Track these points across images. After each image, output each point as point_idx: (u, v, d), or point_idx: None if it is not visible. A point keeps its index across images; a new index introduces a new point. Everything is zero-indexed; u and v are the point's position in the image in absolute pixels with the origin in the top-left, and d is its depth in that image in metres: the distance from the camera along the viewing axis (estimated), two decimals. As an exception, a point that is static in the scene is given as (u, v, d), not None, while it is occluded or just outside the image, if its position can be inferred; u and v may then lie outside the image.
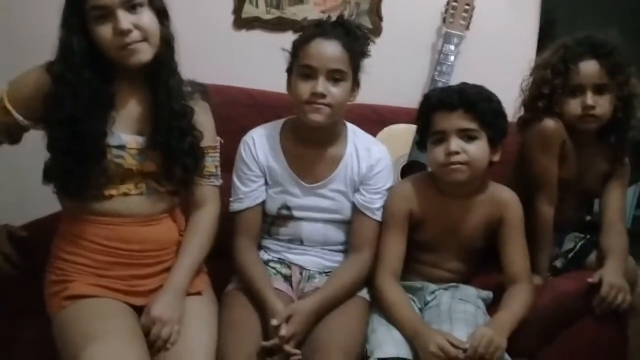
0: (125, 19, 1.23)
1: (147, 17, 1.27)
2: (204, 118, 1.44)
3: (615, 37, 1.58)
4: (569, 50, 1.56)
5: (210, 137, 1.45)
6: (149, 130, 1.35)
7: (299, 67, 1.45)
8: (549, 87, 1.56)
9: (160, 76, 1.33)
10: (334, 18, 1.52)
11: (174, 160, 1.36)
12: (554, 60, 1.57)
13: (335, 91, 1.42)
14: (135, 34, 1.25)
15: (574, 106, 1.55)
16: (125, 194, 1.35)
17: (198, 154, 1.40)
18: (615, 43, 1.55)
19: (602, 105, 1.54)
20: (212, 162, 1.46)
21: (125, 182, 1.35)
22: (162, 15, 1.32)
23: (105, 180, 1.32)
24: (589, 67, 1.54)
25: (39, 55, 1.29)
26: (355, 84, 1.49)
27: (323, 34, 1.44)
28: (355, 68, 1.47)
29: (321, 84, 1.41)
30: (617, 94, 1.54)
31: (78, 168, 1.28)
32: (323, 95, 1.41)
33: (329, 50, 1.42)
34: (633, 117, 1.58)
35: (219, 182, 1.49)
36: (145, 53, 1.28)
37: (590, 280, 1.38)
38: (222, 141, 1.50)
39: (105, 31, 1.24)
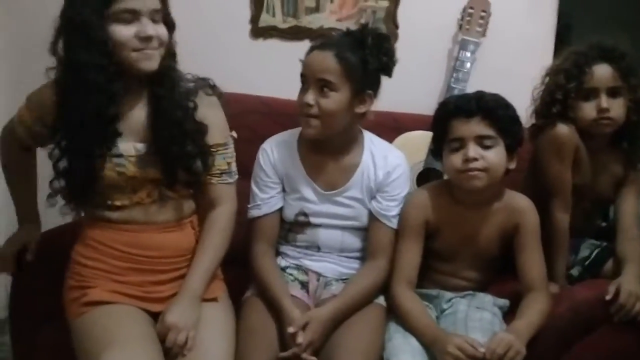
0: (150, 26, 1.27)
1: (163, 29, 1.31)
2: (210, 113, 1.40)
3: (625, 42, 1.59)
4: (581, 56, 1.56)
5: (218, 134, 1.41)
6: (148, 138, 1.35)
7: (300, 76, 1.47)
8: (562, 92, 1.56)
9: (163, 87, 1.34)
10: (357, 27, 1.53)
11: (176, 164, 1.35)
12: (567, 66, 1.57)
13: (323, 102, 1.42)
14: (155, 42, 1.28)
15: (588, 110, 1.55)
16: (139, 203, 1.36)
17: (204, 152, 1.38)
18: (625, 48, 1.56)
19: (617, 108, 1.54)
20: (223, 160, 1.42)
21: (137, 192, 1.36)
22: (171, 29, 1.35)
23: (114, 191, 1.34)
24: (603, 71, 1.54)
25: (46, 58, 1.31)
26: (361, 94, 1.45)
27: (321, 45, 1.46)
28: (355, 78, 1.43)
29: (309, 95, 1.43)
30: (630, 97, 1.55)
31: (83, 177, 1.31)
32: (309, 106, 1.42)
33: (319, 60, 1.43)
34: None
35: (232, 179, 1.45)
36: (156, 61, 1.30)
37: (607, 297, 1.36)
38: (236, 136, 1.49)
39: (127, 31, 1.26)
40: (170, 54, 1.35)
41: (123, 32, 1.26)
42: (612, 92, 1.54)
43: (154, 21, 1.29)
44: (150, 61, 1.29)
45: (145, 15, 1.27)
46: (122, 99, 1.32)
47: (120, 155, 1.32)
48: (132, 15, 1.26)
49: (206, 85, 1.43)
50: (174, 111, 1.34)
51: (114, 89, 1.27)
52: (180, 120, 1.34)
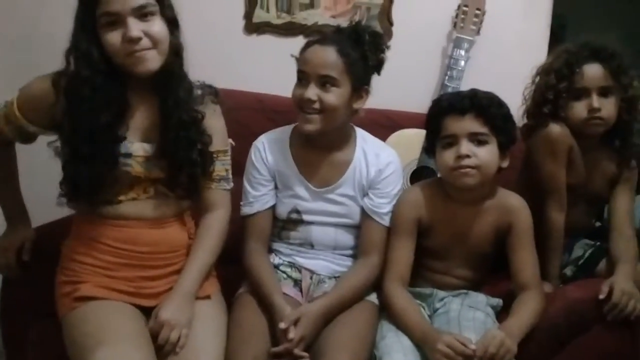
0: (135, 26, 1.24)
1: (157, 26, 1.28)
2: (214, 121, 1.43)
3: (614, 42, 1.59)
4: (572, 55, 1.56)
5: (220, 141, 1.45)
6: (156, 139, 1.34)
7: (297, 72, 1.46)
8: (553, 92, 1.56)
9: (169, 86, 1.33)
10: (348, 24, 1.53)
11: (181, 168, 1.36)
12: (558, 65, 1.57)
13: (325, 97, 1.42)
14: (145, 42, 1.25)
15: (579, 110, 1.55)
16: (134, 199, 1.35)
17: (206, 159, 1.40)
18: (615, 47, 1.56)
19: (608, 107, 1.54)
20: (222, 166, 1.45)
21: (133, 188, 1.35)
22: (173, 24, 1.32)
23: (112, 187, 1.33)
24: (594, 70, 1.54)
25: (51, 57, 1.30)
26: (359, 90, 1.46)
27: (321, 40, 1.45)
28: (356, 74, 1.44)
29: (310, 90, 1.42)
30: (621, 96, 1.55)
31: (92, 175, 1.29)
32: (312, 101, 1.42)
33: (320, 56, 1.42)
34: (637, 119, 1.58)
35: (229, 185, 1.48)
36: (153, 61, 1.28)
37: (601, 296, 1.36)
38: (234, 144, 1.50)
39: (114, 38, 1.24)
40: (173, 52, 1.32)
41: (111, 39, 1.24)
42: (603, 92, 1.54)
43: (143, 18, 1.25)
44: (145, 63, 1.27)
45: (129, 15, 1.23)
46: (130, 100, 1.32)
47: (128, 155, 1.32)
48: (115, 18, 1.23)
49: (212, 93, 1.44)
50: (179, 112, 1.33)
51: (111, 94, 1.27)
52: (185, 124, 1.34)
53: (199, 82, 1.43)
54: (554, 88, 1.56)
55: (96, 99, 1.26)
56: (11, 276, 1.49)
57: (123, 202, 1.35)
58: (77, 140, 1.28)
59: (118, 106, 1.30)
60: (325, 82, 1.42)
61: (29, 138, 1.38)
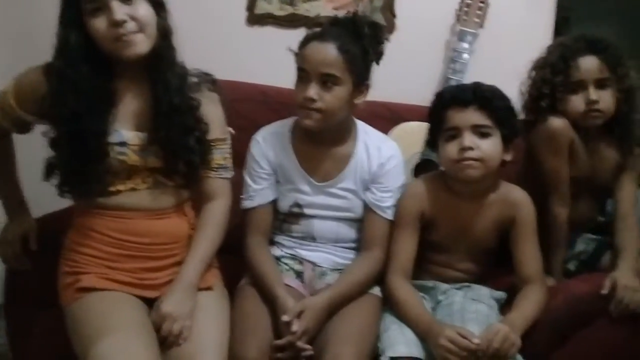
0: (119, 9, 1.22)
1: (142, 9, 1.26)
2: (211, 109, 1.41)
3: (610, 34, 1.58)
4: (567, 48, 1.55)
5: (218, 130, 1.43)
6: (150, 126, 1.33)
7: (297, 69, 1.45)
8: (549, 86, 1.56)
9: (158, 70, 1.31)
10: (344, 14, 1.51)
11: (177, 155, 1.35)
12: (553, 59, 1.56)
13: (326, 96, 1.40)
14: (131, 25, 1.24)
15: (577, 103, 1.54)
16: (133, 189, 1.35)
17: (204, 148, 1.39)
18: (610, 39, 1.56)
19: (605, 99, 1.53)
20: (220, 155, 1.43)
21: (132, 178, 1.35)
22: (159, 7, 1.31)
23: (111, 177, 1.32)
24: (589, 62, 1.53)
25: (51, 52, 1.30)
26: (360, 86, 1.45)
27: (320, 36, 1.42)
28: (357, 70, 1.42)
29: (312, 89, 1.40)
30: (618, 87, 1.54)
31: (80, 166, 1.29)
32: (313, 100, 1.40)
33: (321, 53, 1.40)
34: (636, 110, 1.57)
35: (229, 174, 1.47)
36: (140, 45, 1.26)
37: (603, 292, 1.36)
38: (234, 132, 1.49)
39: (100, 24, 1.23)
40: (161, 34, 1.30)
41: (96, 25, 1.23)
42: (600, 84, 1.53)
43: (127, 2, 1.24)
44: (133, 47, 1.25)
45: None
46: (121, 90, 1.31)
47: (123, 144, 1.31)
48: (98, 4, 1.22)
49: (209, 80, 1.43)
50: (170, 96, 1.32)
51: (95, 83, 1.26)
52: (178, 109, 1.32)
53: (195, 69, 1.41)
54: (550, 82, 1.55)
55: (79, 88, 1.25)
56: (19, 267, 1.48)
57: (122, 193, 1.34)
58: (63, 129, 1.28)
59: (103, 96, 1.28)
60: (326, 80, 1.40)
61: (25, 128, 1.38)
